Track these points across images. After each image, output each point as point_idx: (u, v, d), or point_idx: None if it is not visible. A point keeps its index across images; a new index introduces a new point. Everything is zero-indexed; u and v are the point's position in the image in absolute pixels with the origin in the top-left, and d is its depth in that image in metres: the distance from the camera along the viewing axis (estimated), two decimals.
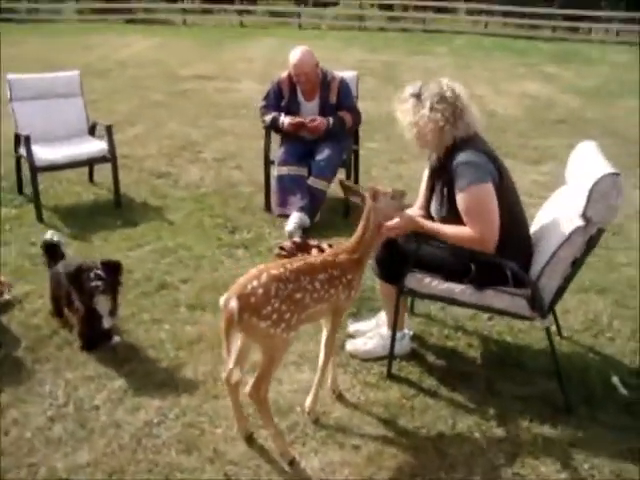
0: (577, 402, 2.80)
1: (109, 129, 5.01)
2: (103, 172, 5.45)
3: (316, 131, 4.77)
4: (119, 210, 5.03)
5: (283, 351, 2.44)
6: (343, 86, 4.84)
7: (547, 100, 9.81)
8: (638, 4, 21.02)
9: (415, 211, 3.07)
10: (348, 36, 18.72)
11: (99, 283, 3.07)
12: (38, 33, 17.33)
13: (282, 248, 4.16)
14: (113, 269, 3.16)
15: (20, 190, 5.25)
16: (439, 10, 22.64)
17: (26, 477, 2.38)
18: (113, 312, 3.20)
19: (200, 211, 5.03)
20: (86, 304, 3.10)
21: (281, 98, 4.88)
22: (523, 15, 20.84)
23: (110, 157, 5.02)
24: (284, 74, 4.87)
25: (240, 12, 23.37)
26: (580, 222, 2.57)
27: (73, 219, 4.83)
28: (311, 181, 4.76)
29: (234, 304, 2.25)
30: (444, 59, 14.27)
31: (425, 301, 3.50)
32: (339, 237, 4.44)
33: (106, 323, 3.17)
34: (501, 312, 2.89)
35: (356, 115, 4.92)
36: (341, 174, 4.85)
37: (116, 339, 3.22)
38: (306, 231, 4.56)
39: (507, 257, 2.70)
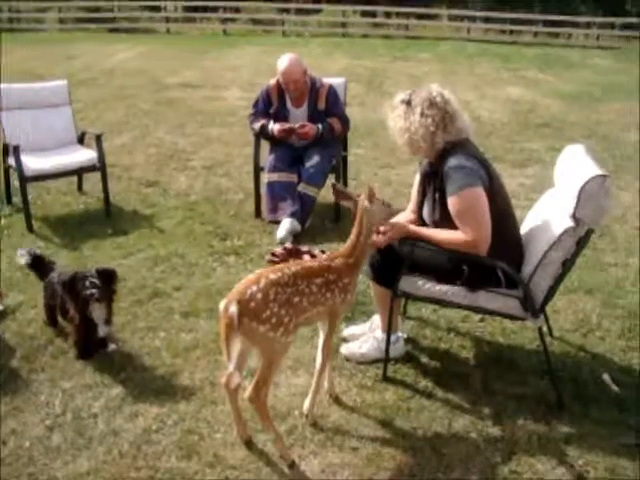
0: (570, 400, 2.86)
1: (99, 138, 5.02)
2: (92, 181, 5.45)
3: (306, 137, 4.80)
4: (109, 219, 5.02)
5: (282, 355, 2.46)
6: (331, 93, 4.88)
7: (531, 104, 9.93)
8: (614, 9, 21.44)
9: (407, 215, 3.11)
10: (332, 43, 18.79)
11: (94, 291, 3.06)
12: (20, 42, 17.21)
13: (273, 254, 4.19)
14: (108, 277, 3.17)
15: (9, 200, 5.23)
16: (421, 17, 22.77)
17: None
18: (108, 320, 3.20)
19: (190, 219, 5.04)
20: (81, 312, 3.10)
21: (270, 105, 4.90)
22: (504, 21, 21.07)
23: (100, 166, 5.02)
24: (272, 81, 4.90)
25: (223, 20, 23.36)
26: (570, 223, 2.63)
27: (63, 228, 4.82)
28: (301, 187, 4.79)
29: (234, 309, 2.27)
30: (428, 65, 14.37)
31: (418, 304, 3.55)
32: (330, 243, 4.48)
33: (101, 331, 3.17)
34: (494, 313, 2.94)
35: (345, 122, 4.95)
36: (330, 180, 4.88)
37: (112, 347, 3.22)
38: (297, 237, 4.59)
39: (499, 259, 2.75)
